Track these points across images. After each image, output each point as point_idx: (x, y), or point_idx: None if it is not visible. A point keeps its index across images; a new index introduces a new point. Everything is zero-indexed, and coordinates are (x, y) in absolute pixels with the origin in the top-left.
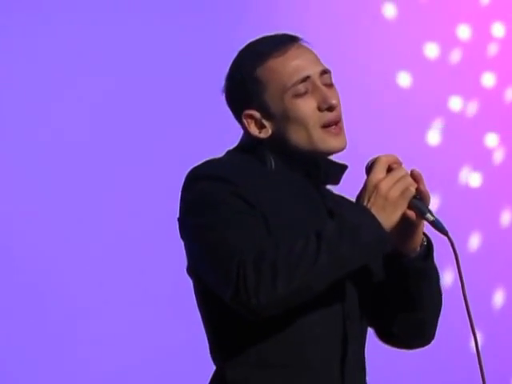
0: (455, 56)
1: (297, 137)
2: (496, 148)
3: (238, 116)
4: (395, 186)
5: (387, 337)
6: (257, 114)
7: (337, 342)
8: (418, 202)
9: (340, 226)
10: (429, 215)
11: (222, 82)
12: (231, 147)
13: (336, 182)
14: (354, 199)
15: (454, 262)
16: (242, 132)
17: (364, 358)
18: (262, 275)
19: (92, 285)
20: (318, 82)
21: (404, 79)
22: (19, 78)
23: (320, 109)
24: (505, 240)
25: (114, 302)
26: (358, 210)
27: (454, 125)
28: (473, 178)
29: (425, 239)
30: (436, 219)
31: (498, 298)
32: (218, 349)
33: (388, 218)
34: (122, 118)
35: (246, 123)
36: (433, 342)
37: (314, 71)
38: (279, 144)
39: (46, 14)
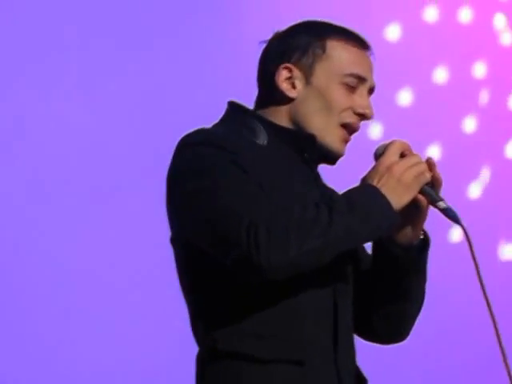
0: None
1: (315, 116)
2: (479, 198)
3: (275, 62)
4: (410, 170)
5: (364, 329)
6: (297, 73)
7: (328, 312)
8: (431, 189)
9: (350, 201)
10: (441, 203)
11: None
12: (216, 121)
13: (332, 162)
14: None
15: (469, 250)
16: (225, 107)
17: (353, 336)
18: (274, 236)
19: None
20: (366, 91)
21: (375, 130)
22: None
23: (355, 110)
24: None
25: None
26: (367, 188)
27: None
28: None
29: (422, 233)
30: (448, 207)
31: None
32: (206, 320)
33: (398, 200)
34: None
35: (279, 72)
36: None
37: (370, 81)
38: (292, 111)
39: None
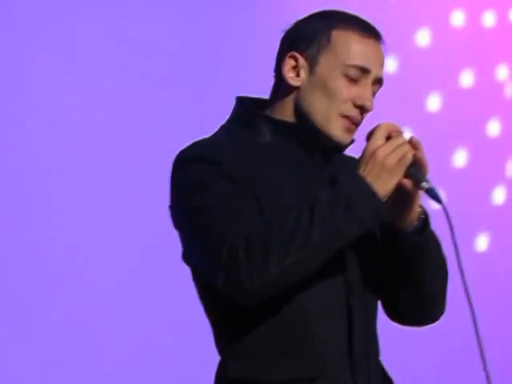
0: None
1: (317, 104)
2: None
3: (282, 52)
4: (392, 154)
5: (394, 315)
6: (302, 62)
7: (341, 317)
8: (415, 169)
9: (333, 197)
10: (424, 183)
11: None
12: (224, 122)
13: (339, 151)
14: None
15: (449, 232)
16: (233, 103)
17: (375, 331)
18: (253, 257)
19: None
20: (370, 83)
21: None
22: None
23: (355, 102)
24: None
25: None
26: (353, 179)
27: None
28: None
29: (422, 212)
30: (430, 187)
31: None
32: (220, 339)
33: (383, 186)
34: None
35: (285, 61)
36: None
37: (376, 72)
38: (296, 101)
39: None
